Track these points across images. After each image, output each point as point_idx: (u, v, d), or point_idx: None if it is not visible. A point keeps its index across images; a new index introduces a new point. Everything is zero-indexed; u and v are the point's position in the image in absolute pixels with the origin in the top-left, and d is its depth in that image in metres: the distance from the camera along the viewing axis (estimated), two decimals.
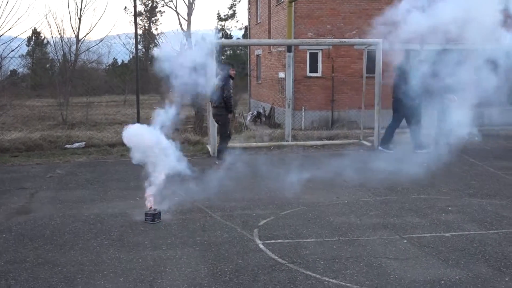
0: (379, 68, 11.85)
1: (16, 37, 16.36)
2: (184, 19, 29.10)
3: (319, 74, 18.54)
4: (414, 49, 11.80)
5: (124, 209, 6.80)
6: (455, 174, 9.00)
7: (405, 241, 5.52)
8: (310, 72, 18.53)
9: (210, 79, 9.30)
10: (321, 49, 18.42)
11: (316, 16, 18.35)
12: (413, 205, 6.95)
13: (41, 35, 40.70)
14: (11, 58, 16.03)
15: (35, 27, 36.80)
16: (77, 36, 28.95)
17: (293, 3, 14.28)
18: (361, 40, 14.68)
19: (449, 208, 6.80)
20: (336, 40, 15.87)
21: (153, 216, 6.16)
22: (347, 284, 4.44)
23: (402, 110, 10.96)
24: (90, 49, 28.54)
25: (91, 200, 7.33)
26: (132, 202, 7.20)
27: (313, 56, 18.57)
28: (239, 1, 53.79)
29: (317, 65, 18.59)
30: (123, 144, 12.13)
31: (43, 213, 6.66)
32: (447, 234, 5.73)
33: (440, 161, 9.22)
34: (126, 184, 8.32)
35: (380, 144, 11.39)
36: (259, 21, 25.14)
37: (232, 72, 9.73)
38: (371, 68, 12.58)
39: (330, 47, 17.99)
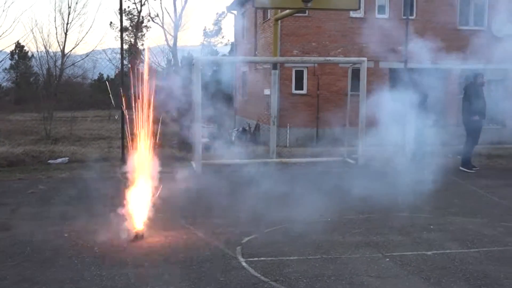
0: (364, 86, 11.98)
1: (0, 51, 16.26)
2: (170, 35, 29.17)
3: (304, 91, 18.68)
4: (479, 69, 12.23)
5: (106, 226, 6.74)
6: (438, 192, 9.06)
7: (387, 259, 5.54)
8: (296, 89, 18.66)
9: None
10: (307, 67, 18.58)
11: (302, 34, 18.52)
12: (396, 223, 6.99)
13: (25, 48, 40.42)
14: None
15: (18, 41, 36.50)
16: (62, 51, 28.89)
17: (279, 21, 14.41)
18: (346, 58, 14.84)
19: (431, 227, 6.85)
20: (321, 58, 16.03)
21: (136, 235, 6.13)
22: None
23: (467, 128, 11.37)
24: (76, 63, 28.48)
25: (73, 217, 7.25)
26: (115, 219, 7.13)
27: (299, 74, 18.71)
28: (224, 18, 53.87)
29: (303, 83, 18.73)
30: (106, 160, 12.20)
31: (24, 230, 6.58)
32: (428, 253, 5.77)
33: (424, 180, 9.28)
34: (109, 201, 8.24)
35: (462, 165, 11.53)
36: (245, 38, 25.28)
37: None
38: (355, 86, 12.70)
39: (316, 65, 18.15)
